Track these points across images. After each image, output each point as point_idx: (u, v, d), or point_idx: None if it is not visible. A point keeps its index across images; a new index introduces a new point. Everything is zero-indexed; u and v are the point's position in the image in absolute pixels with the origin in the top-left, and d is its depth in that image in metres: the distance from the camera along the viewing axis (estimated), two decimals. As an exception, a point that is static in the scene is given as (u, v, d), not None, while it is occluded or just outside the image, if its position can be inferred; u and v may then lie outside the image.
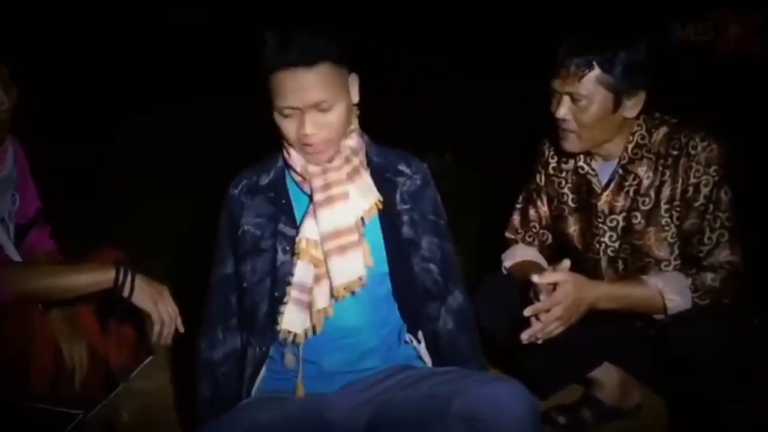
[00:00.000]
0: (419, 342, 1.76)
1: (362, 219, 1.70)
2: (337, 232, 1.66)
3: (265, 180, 1.78)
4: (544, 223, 2.11)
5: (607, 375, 2.15)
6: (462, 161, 4.40)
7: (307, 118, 1.62)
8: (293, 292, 1.67)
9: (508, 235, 2.15)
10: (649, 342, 1.96)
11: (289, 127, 1.65)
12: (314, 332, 1.67)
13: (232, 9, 6.33)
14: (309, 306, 1.67)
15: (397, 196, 1.77)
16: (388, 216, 1.74)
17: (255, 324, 1.72)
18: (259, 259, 1.72)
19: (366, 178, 1.72)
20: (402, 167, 1.80)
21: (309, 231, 1.68)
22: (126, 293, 1.78)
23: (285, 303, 1.67)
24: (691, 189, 1.84)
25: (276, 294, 1.69)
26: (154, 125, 5.09)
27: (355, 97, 1.71)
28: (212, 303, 1.79)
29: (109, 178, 4.45)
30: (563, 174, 2.05)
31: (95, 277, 1.79)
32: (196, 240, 2.08)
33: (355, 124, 1.75)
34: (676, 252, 1.89)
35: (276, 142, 1.75)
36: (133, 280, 1.78)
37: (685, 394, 1.91)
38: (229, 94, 5.05)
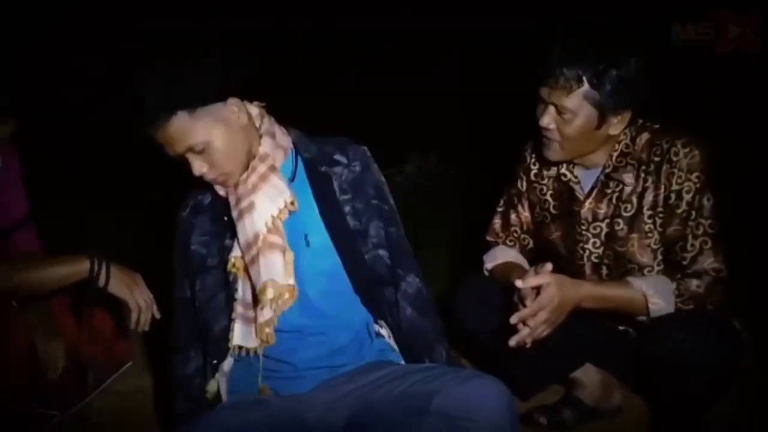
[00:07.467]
0: (387, 334, 1.75)
1: (276, 222, 1.67)
2: (249, 244, 1.67)
3: (208, 198, 1.78)
4: (525, 228, 2.10)
5: (588, 375, 2.14)
6: (446, 161, 4.38)
7: (191, 161, 1.64)
8: (238, 308, 1.70)
9: (488, 239, 2.13)
10: (630, 343, 1.96)
11: (187, 167, 1.66)
12: (268, 343, 1.67)
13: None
14: (254, 320, 1.67)
15: (336, 188, 1.75)
16: (329, 210, 1.73)
17: (209, 340, 1.73)
18: (207, 276, 1.74)
19: (275, 182, 1.68)
20: (338, 156, 1.79)
21: (236, 248, 1.70)
22: (102, 283, 1.76)
23: (233, 319, 1.70)
24: (673, 195, 1.83)
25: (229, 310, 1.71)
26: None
27: (243, 119, 1.67)
28: (178, 326, 1.80)
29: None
30: (545, 181, 2.04)
31: (70, 269, 1.77)
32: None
33: (266, 127, 1.72)
34: (660, 258, 1.88)
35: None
36: (108, 269, 1.77)
37: (666, 396, 1.92)
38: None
